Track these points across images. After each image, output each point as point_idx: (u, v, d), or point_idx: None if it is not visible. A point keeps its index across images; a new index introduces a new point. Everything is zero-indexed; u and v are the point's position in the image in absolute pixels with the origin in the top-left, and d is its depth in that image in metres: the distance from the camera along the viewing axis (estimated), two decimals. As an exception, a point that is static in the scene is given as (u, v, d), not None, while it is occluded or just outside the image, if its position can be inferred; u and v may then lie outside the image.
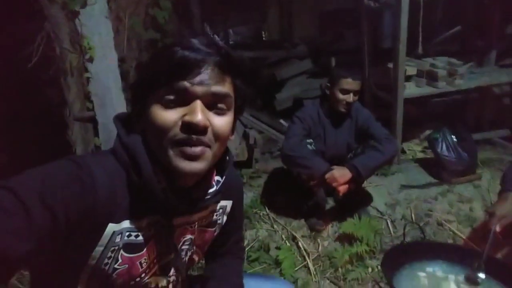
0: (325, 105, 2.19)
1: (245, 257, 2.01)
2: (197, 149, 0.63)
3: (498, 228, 1.28)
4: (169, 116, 0.62)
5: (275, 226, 2.25)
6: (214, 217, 0.83)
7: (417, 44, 2.30)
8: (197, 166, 0.64)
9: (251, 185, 2.60)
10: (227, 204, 0.86)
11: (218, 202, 0.82)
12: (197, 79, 0.61)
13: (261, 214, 2.34)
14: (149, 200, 0.66)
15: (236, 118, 0.72)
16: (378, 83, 2.72)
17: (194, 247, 0.82)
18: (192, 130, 0.62)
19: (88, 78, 2.21)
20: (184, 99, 0.62)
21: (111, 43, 2.28)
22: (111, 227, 0.64)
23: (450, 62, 2.50)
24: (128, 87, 0.67)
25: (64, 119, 2.16)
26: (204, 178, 0.72)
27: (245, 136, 2.74)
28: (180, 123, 0.62)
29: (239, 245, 1.03)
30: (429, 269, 1.32)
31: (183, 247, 0.78)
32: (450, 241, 2.05)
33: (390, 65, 2.47)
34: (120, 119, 0.71)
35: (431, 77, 2.48)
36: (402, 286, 1.17)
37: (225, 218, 0.87)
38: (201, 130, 0.62)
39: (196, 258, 0.85)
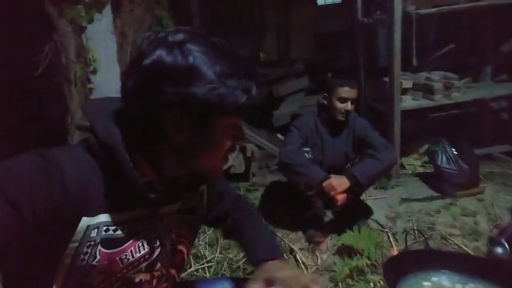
0: (322, 115, 2.20)
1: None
2: None
3: None
4: (229, 143, 0.68)
5: (272, 239, 2.17)
6: (193, 204, 0.81)
7: (412, 58, 2.34)
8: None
9: (248, 197, 2.55)
10: (202, 188, 0.84)
11: (195, 191, 0.81)
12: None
13: (258, 227, 2.27)
14: (130, 193, 0.64)
15: None
16: (374, 97, 2.74)
17: (180, 237, 0.79)
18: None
19: (90, 89, 2.28)
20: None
21: (115, 57, 2.39)
22: (85, 221, 0.61)
23: (446, 76, 2.53)
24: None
25: (65, 127, 2.19)
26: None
27: (242, 149, 2.73)
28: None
29: (241, 197, 1.03)
30: (435, 278, 1.25)
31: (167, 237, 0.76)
32: (455, 254, 1.97)
33: (386, 79, 2.50)
34: (93, 108, 0.68)
35: (427, 90, 2.50)
36: (406, 296, 1.09)
37: (204, 202, 0.85)
38: None
39: (184, 249, 0.81)
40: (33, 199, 0.55)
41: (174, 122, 0.61)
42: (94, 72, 2.25)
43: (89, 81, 2.26)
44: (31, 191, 0.55)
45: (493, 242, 1.38)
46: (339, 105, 2.06)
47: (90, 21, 2.19)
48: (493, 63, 2.82)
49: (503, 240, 1.29)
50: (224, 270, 2.01)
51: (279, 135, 3.00)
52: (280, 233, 2.20)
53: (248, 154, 2.65)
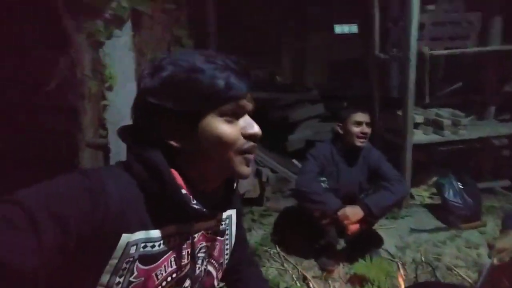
0: (338, 144, 2.27)
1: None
2: (253, 156, 0.73)
3: (496, 261, 1.34)
4: (234, 129, 0.69)
5: (285, 265, 2.22)
6: (222, 226, 0.86)
7: (424, 95, 2.47)
8: (250, 170, 0.74)
9: (261, 223, 2.60)
10: (231, 213, 0.89)
11: (226, 210, 0.84)
12: (248, 97, 0.71)
13: (271, 252, 2.33)
14: (168, 209, 0.67)
15: None
16: (387, 128, 2.86)
17: (210, 258, 0.83)
18: (254, 139, 0.72)
19: (105, 105, 2.21)
20: (240, 114, 0.71)
21: (132, 74, 2.27)
22: (125, 238, 0.63)
23: (453, 113, 2.67)
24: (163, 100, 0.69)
25: (76, 143, 2.12)
26: (220, 183, 0.77)
27: (258, 174, 2.80)
28: (243, 134, 0.70)
29: (250, 254, 1.12)
30: (443, 310, 1.35)
31: (199, 254, 0.79)
32: (460, 285, 2.06)
33: (399, 112, 2.63)
34: (128, 133, 0.72)
35: (437, 126, 2.63)
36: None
37: (234, 228, 0.89)
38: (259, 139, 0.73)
39: (213, 272, 0.84)
40: (77, 215, 0.57)
41: (168, 128, 0.68)
42: (110, 88, 2.18)
43: (104, 98, 2.19)
44: (75, 208, 0.57)
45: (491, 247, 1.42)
46: (355, 129, 2.13)
47: (109, 37, 2.14)
48: (496, 103, 2.97)
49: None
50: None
51: (294, 160, 3.09)
52: (293, 260, 2.25)
53: (264, 178, 2.72)
